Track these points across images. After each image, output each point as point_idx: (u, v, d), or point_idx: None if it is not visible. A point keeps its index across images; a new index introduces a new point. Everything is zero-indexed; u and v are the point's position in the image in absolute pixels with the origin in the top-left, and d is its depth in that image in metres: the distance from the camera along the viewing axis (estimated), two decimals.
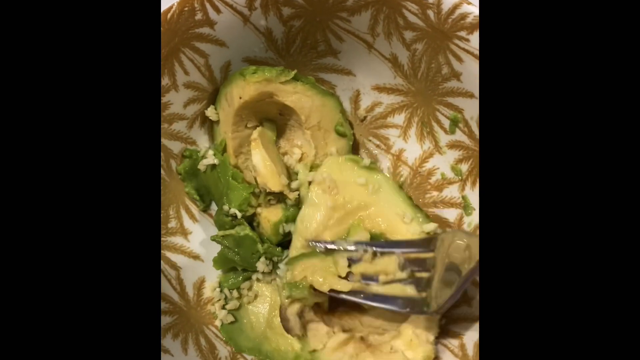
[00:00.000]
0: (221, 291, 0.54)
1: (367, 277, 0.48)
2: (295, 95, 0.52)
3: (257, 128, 0.54)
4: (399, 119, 0.57)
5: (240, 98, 0.52)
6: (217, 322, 0.53)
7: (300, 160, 0.56)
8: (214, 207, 0.57)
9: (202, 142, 0.57)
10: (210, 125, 0.56)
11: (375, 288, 0.48)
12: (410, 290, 0.47)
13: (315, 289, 0.49)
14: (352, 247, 0.49)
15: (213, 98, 0.55)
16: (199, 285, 0.55)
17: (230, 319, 0.53)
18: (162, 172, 0.54)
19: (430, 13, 0.47)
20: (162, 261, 0.53)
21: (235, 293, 0.54)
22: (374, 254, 0.48)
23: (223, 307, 0.53)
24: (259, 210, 0.54)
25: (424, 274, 0.47)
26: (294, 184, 0.53)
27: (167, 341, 0.48)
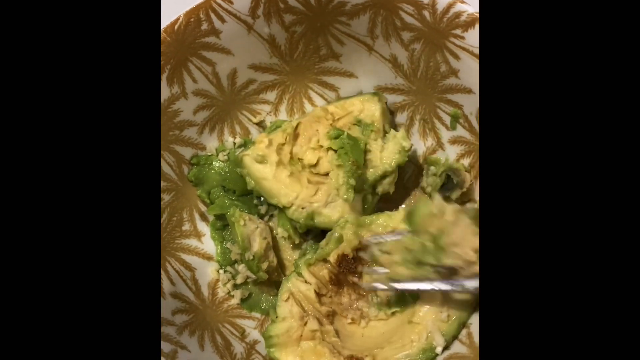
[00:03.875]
0: (225, 271, 0.57)
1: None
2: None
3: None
4: (402, 117, 0.59)
5: None
6: (235, 301, 0.56)
7: None
8: None
9: (212, 147, 0.59)
10: (220, 129, 0.59)
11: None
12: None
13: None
14: None
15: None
16: (213, 285, 0.57)
17: (246, 292, 0.56)
18: (175, 177, 0.56)
19: (426, 13, 0.49)
20: (177, 262, 0.55)
21: (237, 267, 0.56)
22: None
23: (235, 287, 0.56)
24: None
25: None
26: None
27: (184, 338, 0.50)
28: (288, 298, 0.52)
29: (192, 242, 0.58)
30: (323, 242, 0.54)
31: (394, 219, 0.53)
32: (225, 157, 0.58)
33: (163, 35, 0.49)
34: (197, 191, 0.58)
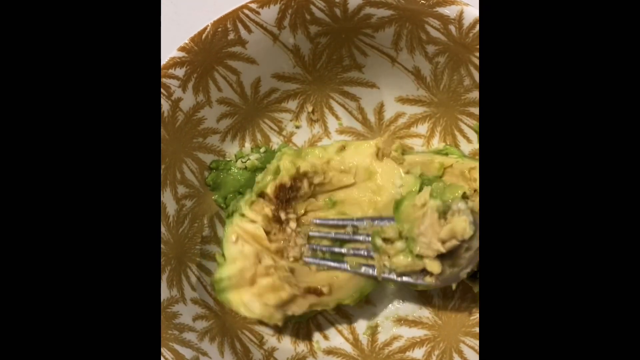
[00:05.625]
0: None
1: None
2: None
3: None
4: (422, 128, 0.59)
5: None
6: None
7: None
8: None
9: (231, 153, 0.60)
10: (242, 137, 0.59)
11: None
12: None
13: None
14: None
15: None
16: None
17: None
18: (197, 183, 0.57)
19: (452, 28, 0.49)
20: (198, 268, 0.56)
21: None
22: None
23: None
24: None
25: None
26: None
27: (204, 344, 0.51)
28: (237, 239, 0.51)
29: (213, 247, 0.58)
30: (260, 177, 0.55)
31: (328, 151, 0.56)
32: (243, 165, 0.58)
33: (190, 44, 0.50)
34: (213, 195, 0.59)
